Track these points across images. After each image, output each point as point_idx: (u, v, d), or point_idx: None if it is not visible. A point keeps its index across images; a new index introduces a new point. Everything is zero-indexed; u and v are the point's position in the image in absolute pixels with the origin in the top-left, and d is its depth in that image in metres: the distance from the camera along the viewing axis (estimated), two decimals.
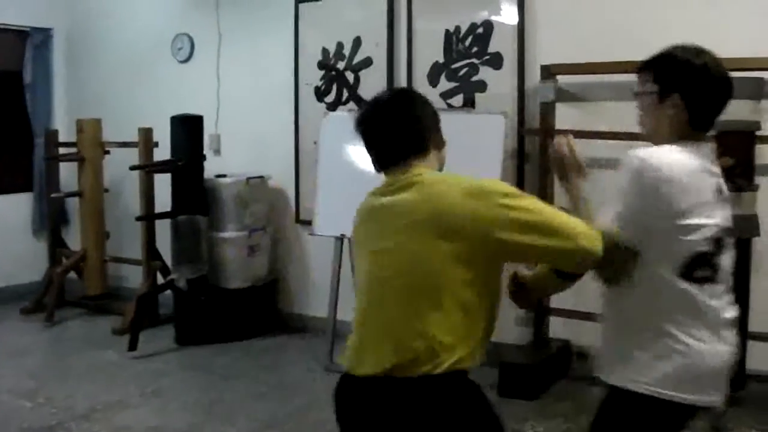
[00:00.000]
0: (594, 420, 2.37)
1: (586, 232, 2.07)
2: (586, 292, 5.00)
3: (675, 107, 2.25)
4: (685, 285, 2.18)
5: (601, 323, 2.42)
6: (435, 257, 2.06)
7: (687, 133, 2.26)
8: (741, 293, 4.62)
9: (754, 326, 4.64)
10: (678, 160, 2.18)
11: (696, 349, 2.18)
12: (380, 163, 2.29)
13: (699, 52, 2.27)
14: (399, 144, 2.24)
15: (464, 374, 2.10)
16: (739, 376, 4.55)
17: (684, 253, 2.17)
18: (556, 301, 5.22)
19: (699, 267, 2.18)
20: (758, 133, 4.58)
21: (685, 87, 2.24)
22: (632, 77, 5.02)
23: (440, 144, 2.32)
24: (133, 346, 5.78)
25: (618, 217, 2.17)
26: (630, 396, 2.22)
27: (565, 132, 2.65)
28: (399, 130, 2.25)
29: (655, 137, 2.33)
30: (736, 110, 4.46)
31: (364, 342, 2.17)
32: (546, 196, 5.21)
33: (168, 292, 6.31)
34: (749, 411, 4.44)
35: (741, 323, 4.55)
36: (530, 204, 2.09)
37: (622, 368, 2.25)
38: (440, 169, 2.31)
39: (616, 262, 2.15)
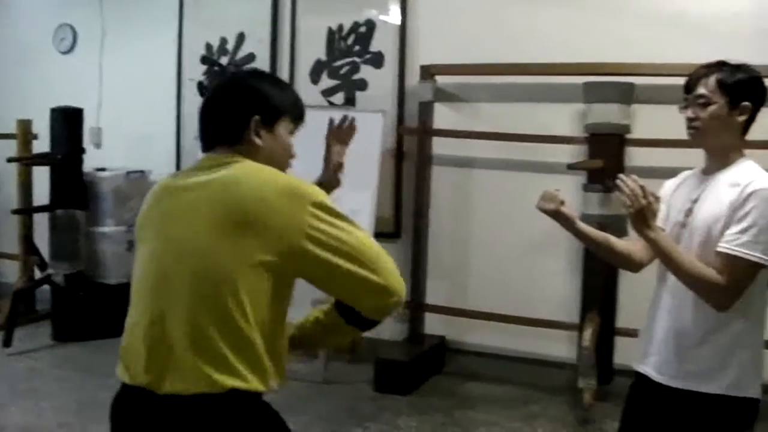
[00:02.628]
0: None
1: (396, 272, 1.87)
2: (461, 289, 5.17)
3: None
4: None
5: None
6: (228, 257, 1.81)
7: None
8: (609, 291, 4.82)
9: (620, 323, 4.85)
10: None
11: None
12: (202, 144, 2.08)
13: None
14: (210, 129, 2.03)
15: (251, 396, 1.84)
16: (606, 370, 4.74)
17: None
18: (432, 297, 5.35)
19: None
20: (628, 136, 4.80)
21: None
22: (508, 79, 5.16)
23: (271, 138, 1.99)
24: (7, 342, 5.65)
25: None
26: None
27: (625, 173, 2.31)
28: (211, 117, 2.03)
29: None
30: (607, 113, 4.70)
31: None
32: (422, 194, 5.33)
33: (45, 287, 6.18)
34: (615, 405, 4.55)
35: (608, 320, 4.77)
36: (346, 225, 1.85)
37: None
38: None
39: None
